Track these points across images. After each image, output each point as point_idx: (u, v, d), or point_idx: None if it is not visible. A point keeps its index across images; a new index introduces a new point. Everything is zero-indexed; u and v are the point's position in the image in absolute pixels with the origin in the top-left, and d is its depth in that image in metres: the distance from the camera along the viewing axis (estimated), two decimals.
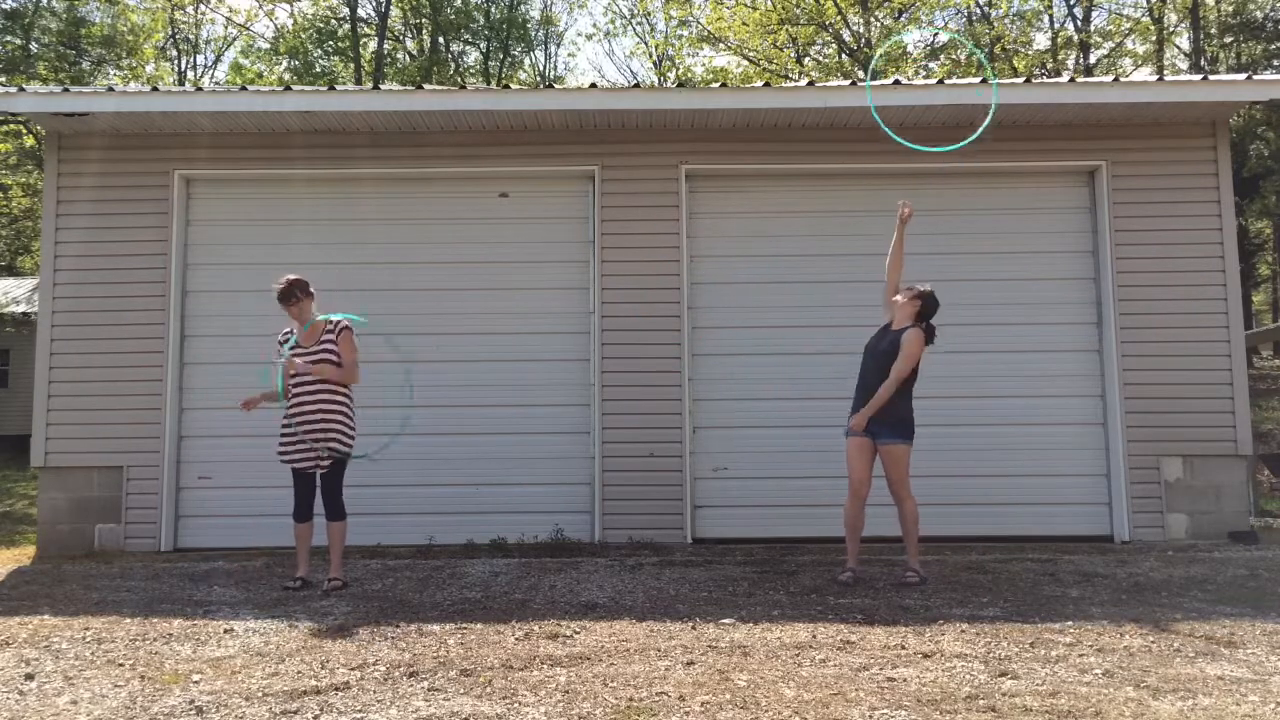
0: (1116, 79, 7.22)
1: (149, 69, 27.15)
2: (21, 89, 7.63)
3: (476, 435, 7.38)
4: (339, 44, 29.76)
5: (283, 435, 5.54)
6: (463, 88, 9.45)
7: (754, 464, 7.33)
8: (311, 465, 5.50)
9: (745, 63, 25.67)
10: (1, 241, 28.57)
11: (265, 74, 29.58)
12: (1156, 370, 7.21)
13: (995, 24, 24.58)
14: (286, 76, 28.97)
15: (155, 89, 8.23)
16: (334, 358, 5.48)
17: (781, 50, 24.47)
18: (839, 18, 22.76)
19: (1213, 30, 24.36)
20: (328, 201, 7.63)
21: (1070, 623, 4.54)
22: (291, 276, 5.62)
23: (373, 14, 29.88)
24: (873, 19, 23.06)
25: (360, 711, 3.31)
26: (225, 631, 4.53)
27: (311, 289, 5.64)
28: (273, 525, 6.88)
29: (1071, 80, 7.45)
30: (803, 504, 7.24)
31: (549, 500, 7.30)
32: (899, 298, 5.76)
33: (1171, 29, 25.29)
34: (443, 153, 7.51)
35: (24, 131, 22.43)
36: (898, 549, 6.66)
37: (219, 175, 7.59)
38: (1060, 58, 25.06)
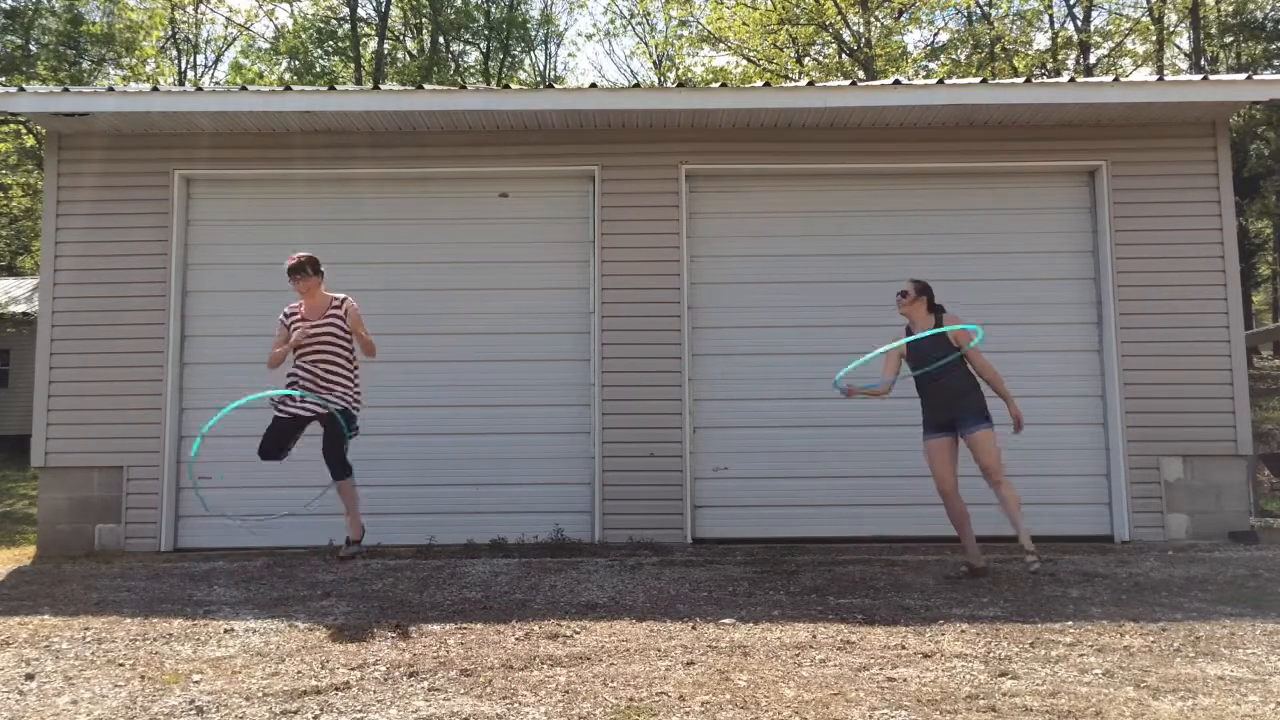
0: (1116, 79, 7.22)
1: (149, 67, 27.15)
2: (21, 89, 7.62)
3: (476, 435, 7.38)
4: (339, 44, 29.78)
5: (288, 383, 5.69)
6: (463, 88, 9.46)
7: (754, 464, 7.33)
8: (310, 413, 5.60)
9: (745, 63, 25.68)
10: (1, 241, 28.58)
11: (265, 74, 29.60)
12: (1156, 370, 7.21)
13: (995, 24, 24.58)
14: (287, 76, 29.00)
15: (155, 89, 8.23)
16: (341, 329, 5.68)
17: (781, 50, 24.48)
18: (839, 18, 22.76)
19: (1213, 30, 24.36)
20: (328, 201, 7.64)
21: (1070, 623, 4.54)
22: (304, 253, 5.76)
23: (373, 14, 29.93)
24: (873, 19, 23.06)
25: (360, 711, 3.31)
26: (225, 631, 4.53)
27: (322, 268, 5.80)
28: (273, 525, 6.89)
29: (1071, 80, 7.44)
30: (803, 504, 7.25)
31: (549, 500, 7.30)
32: (902, 309, 5.76)
33: (1171, 29, 25.31)
34: (443, 153, 7.51)
35: (24, 131, 22.44)
36: (898, 549, 6.67)
37: (219, 175, 7.59)
38: (1060, 58, 25.07)
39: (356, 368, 5.80)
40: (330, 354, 5.67)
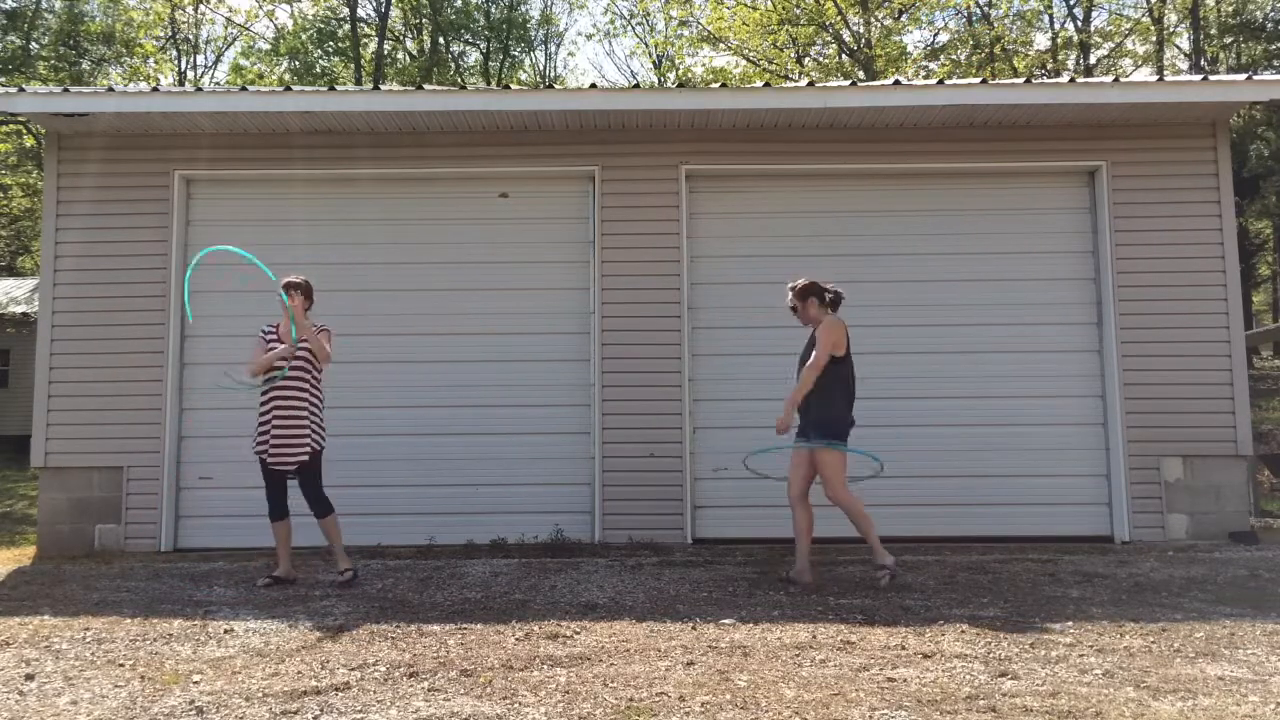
0: (1116, 79, 7.22)
1: (149, 65, 27.16)
2: (21, 89, 7.62)
3: (476, 435, 7.38)
4: (339, 44, 29.77)
5: (259, 432, 5.60)
6: (463, 88, 9.46)
7: (754, 464, 7.31)
8: (282, 465, 5.56)
9: (745, 63, 25.68)
10: (1, 241, 28.59)
11: (266, 75, 29.59)
12: (1156, 370, 7.21)
13: (995, 24, 24.58)
14: (287, 77, 28.99)
15: (155, 89, 8.23)
16: (311, 354, 5.67)
17: (781, 50, 24.48)
18: (839, 18, 22.76)
19: (1213, 30, 24.36)
20: (328, 201, 7.63)
21: (1070, 623, 4.54)
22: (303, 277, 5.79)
23: (373, 14, 29.92)
24: (873, 19, 23.06)
25: (360, 712, 3.31)
26: (225, 632, 4.52)
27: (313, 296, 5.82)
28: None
29: (1071, 80, 7.44)
30: None
31: (549, 500, 7.30)
32: (801, 311, 5.67)
33: (1171, 29, 25.30)
34: (443, 153, 7.51)
35: (24, 131, 22.44)
36: (898, 549, 6.66)
37: (219, 175, 7.59)
38: (1060, 58, 25.07)
39: (321, 396, 5.71)
40: (299, 386, 5.56)
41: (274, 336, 5.70)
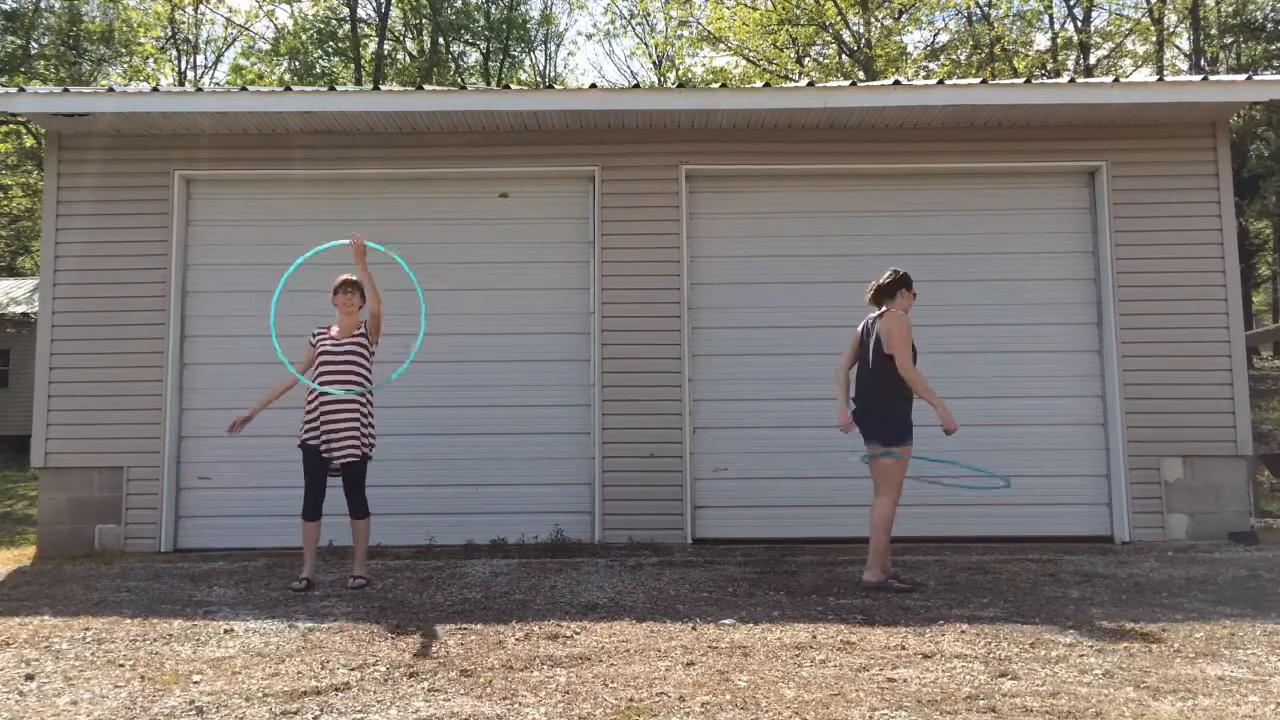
0: (1116, 79, 7.22)
1: (149, 64, 27.17)
2: (21, 89, 7.62)
3: (476, 435, 7.38)
4: (339, 45, 29.77)
5: (308, 424, 5.57)
6: (463, 88, 9.47)
7: (754, 464, 7.33)
8: (346, 456, 5.53)
9: (745, 63, 25.69)
10: (1, 241, 28.59)
11: (266, 75, 29.59)
12: (1156, 370, 7.21)
13: (995, 25, 24.59)
14: (287, 77, 28.99)
15: (156, 89, 8.23)
16: (365, 351, 5.64)
17: (782, 50, 24.49)
18: (839, 18, 22.76)
19: (1213, 31, 24.37)
20: (328, 201, 7.63)
21: (1070, 623, 4.54)
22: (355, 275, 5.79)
23: (373, 14, 29.92)
24: (873, 19, 23.07)
25: (360, 712, 3.31)
26: (225, 632, 4.52)
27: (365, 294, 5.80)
28: (273, 526, 6.90)
29: (1071, 81, 7.45)
30: (803, 504, 7.24)
31: (549, 500, 7.30)
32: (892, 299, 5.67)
33: (1171, 29, 25.31)
34: (443, 153, 7.51)
35: (24, 131, 22.44)
36: (898, 549, 6.66)
37: (219, 176, 7.58)
38: (1060, 58, 25.08)
39: (371, 400, 5.70)
40: (348, 380, 5.54)
41: (324, 335, 5.69)
